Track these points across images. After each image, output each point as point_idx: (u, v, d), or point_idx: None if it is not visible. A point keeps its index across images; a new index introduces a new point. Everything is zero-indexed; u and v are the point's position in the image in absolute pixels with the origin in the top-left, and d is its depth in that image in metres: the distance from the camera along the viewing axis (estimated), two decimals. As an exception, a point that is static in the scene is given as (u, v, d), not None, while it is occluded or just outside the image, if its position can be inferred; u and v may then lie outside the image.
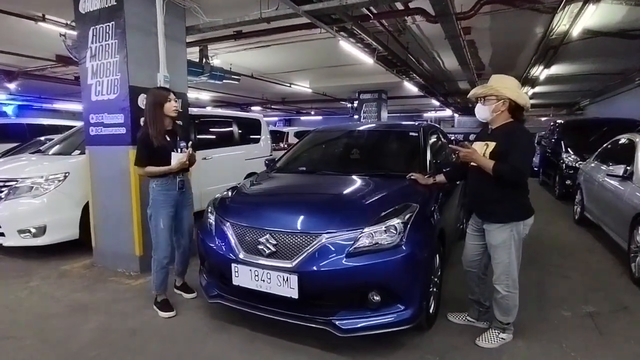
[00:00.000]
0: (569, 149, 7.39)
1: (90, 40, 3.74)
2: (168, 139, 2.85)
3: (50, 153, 5.00)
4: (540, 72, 9.41)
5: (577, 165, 6.64)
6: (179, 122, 3.07)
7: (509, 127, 2.36)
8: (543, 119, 19.85)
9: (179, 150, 2.87)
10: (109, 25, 3.59)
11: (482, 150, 2.37)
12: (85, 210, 4.10)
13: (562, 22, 5.77)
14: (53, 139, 5.74)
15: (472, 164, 2.42)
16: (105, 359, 2.39)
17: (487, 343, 2.48)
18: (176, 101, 2.88)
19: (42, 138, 7.05)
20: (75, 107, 16.12)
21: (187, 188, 3.04)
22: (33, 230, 3.93)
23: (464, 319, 2.78)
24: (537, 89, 12.74)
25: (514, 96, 2.33)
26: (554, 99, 16.86)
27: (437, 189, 2.92)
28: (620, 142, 4.94)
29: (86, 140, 3.95)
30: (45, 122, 9.13)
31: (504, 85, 2.36)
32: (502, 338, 2.49)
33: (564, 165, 7.23)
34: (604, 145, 5.40)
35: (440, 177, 2.84)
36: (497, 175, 2.26)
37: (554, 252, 4.34)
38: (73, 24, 4.11)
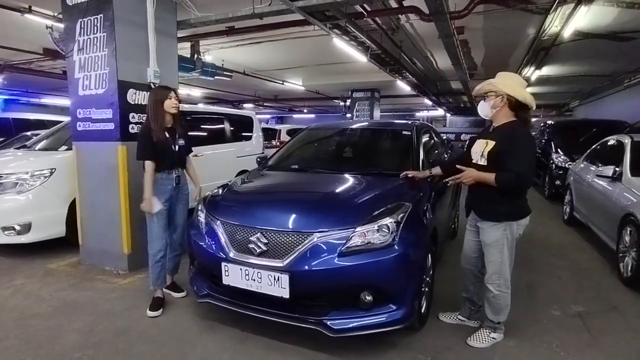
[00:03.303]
0: (558, 150, 7.48)
1: (77, 33, 3.64)
2: (167, 135, 2.92)
3: (36, 148, 4.88)
4: (531, 73, 9.51)
5: (566, 165, 6.72)
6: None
7: (511, 127, 2.33)
8: (533, 119, 20.04)
9: (176, 147, 2.96)
10: (97, 18, 3.50)
11: (482, 148, 2.36)
12: (72, 207, 4.01)
13: (554, 24, 5.83)
14: (39, 134, 5.61)
15: (473, 161, 2.41)
16: (90, 360, 2.33)
17: (479, 343, 2.48)
18: (177, 99, 2.96)
19: (29, 133, 6.91)
20: (64, 101, 15.85)
21: (183, 183, 3.08)
22: (17, 228, 3.84)
23: (455, 318, 2.77)
24: (528, 90, 12.50)
25: (512, 92, 2.30)
26: (544, 100, 17.06)
27: (430, 187, 2.91)
28: (609, 143, 5.00)
29: (73, 136, 3.86)
30: (31, 117, 8.94)
31: (504, 81, 2.35)
32: (493, 338, 2.50)
33: (553, 165, 7.31)
34: (593, 147, 5.46)
35: (437, 170, 2.84)
36: (502, 185, 2.24)
37: (543, 252, 4.38)
38: (60, 16, 4.01)
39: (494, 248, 2.37)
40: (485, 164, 2.33)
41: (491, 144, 2.32)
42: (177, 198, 3.03)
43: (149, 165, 2.82)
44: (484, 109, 2.42)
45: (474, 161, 2.41)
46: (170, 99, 2.90)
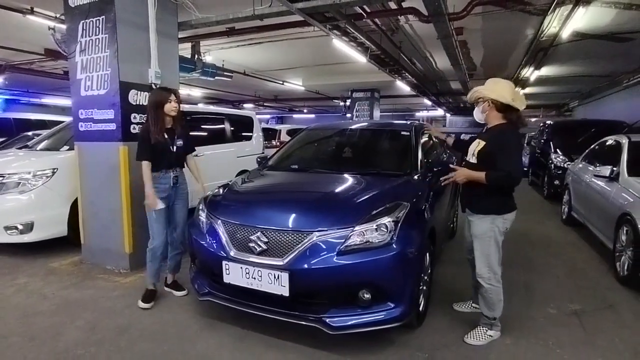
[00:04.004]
0: (557, 150, 7.50)
1: (79, 34, 3.68)
2: (166, 136, 2.95)
3: (38, 148, 4.92)
4: (530, 73, 9.54)
5: (565, 165, 6.75)
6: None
7: (500, 129, 2.46)
8: (533, 119, 20.10)
9: (174, 148, 2.99)
10: (99, 19, 3.54)
11: (475, 147, 2.49)
12: (74, 206, 4.05)
13: (552, 24, 5.86)
14: (41, 134, 5.65)
15: (468, 159, 2.54)
16: (92, 357, 2.37)
17: (476, 340, 2.51)
18: (177, 101, 2.98)
19: (30, 133, 6.95)
20: (64, 102, 15.88)
21: (181, 182, 3.12)
22: (20, 227, 3.87)
23: (469, 306, 2.89)
24: (527, 90, 12.90)
25: (495, 96, 2.42)
26: (543, 100, 17.10)
27: (428, 187, 2.96)
28: (607, 143, 5.03)
29: (75, 136, 3.89)
30: (32, 117, 8.98)
31: (489, 87, 2.49)
32: (490, 335, 2.53)
33: (552, 165, 7.34)
34: (592, 147, 5.49)
35: (451, 140, 3.05)
36: (492, 183, 2.34)
37: (541, 251, 4.40)
38: (62, 17, 4.04)
39: (480, 240, 2.46)
40: (475, 162, 2.47)
41: (482, 144, 2.46)
42: (175, 197, 3.07)
43: (145, 165, 2.90)
44: (477, 114, 2.59)
45: (467, 158, 2.56)
46: (170, 102, 2.92)
